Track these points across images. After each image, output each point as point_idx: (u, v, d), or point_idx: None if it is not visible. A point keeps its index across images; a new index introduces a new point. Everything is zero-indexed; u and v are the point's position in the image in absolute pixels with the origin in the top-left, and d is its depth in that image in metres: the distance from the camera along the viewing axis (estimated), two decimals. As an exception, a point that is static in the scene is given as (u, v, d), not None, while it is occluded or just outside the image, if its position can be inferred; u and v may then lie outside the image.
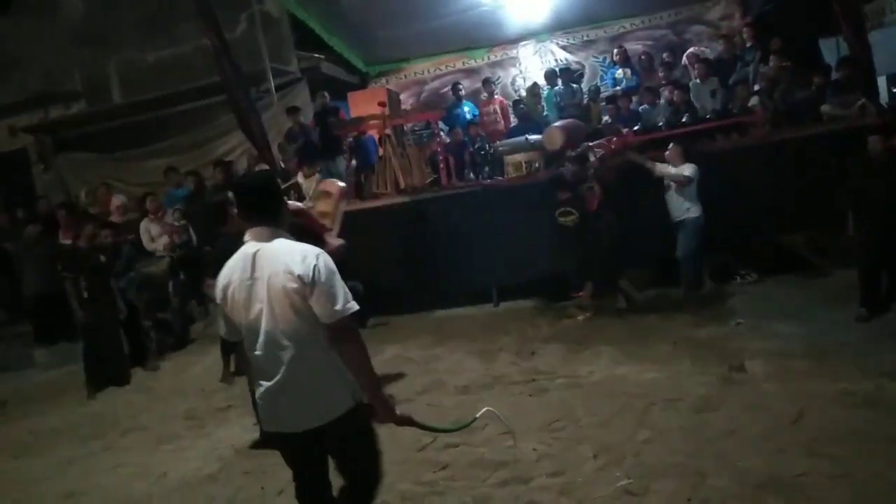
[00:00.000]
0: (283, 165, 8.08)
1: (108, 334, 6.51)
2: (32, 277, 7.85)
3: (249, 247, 2.30)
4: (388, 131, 8.31)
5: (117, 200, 9.12)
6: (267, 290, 2.23)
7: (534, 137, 7.64)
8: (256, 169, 8.74)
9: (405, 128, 8.63)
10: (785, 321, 5.37)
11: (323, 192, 5.34)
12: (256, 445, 4.31)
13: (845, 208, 5.34)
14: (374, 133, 8.74)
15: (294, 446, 2.37)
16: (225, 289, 2.32)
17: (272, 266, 2.23)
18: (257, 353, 2.28)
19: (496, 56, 11.03)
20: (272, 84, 8.51)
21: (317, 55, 10.27)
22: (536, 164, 7.56)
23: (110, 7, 10.69)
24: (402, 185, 8.09)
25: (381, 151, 8.59)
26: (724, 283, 6.59)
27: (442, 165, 8.02)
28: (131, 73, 10.75)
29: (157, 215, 8.18)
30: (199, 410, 5.43)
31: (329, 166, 8.64)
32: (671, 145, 6.43)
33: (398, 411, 2.43)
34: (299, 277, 2.18)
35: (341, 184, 5.29)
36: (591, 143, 6.73)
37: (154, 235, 8.08)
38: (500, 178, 7.85)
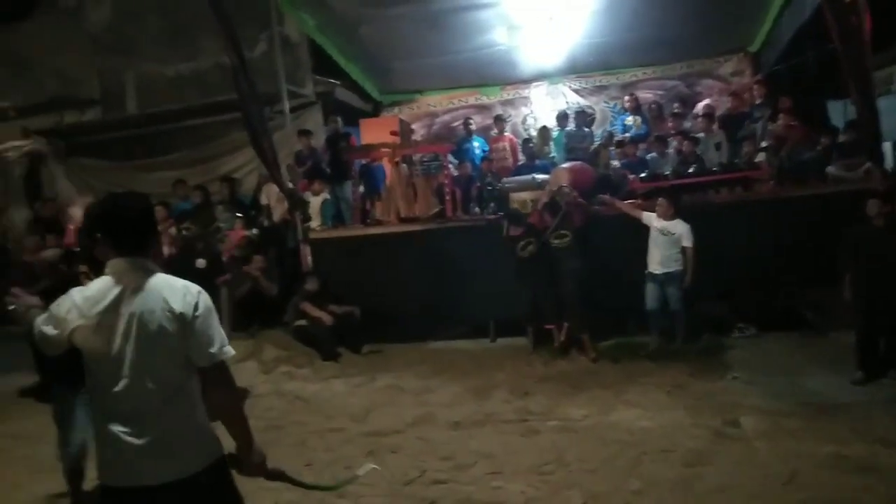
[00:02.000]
0: (291, 185, 8.14)
1: None
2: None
3: (111, 279, 2.04)
4: (397, 160, 8.40)
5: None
6: (137, 327, 1.99)
7: (541, 177, 7.72)
8: (265, 187, 8.85)
9: (414, 158, 8.72)
10: (781, 378, 5.36)
11: None
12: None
13: (842, 271, 5.36)
14: (383, 161, 8.82)
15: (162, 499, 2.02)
16: (71, 321, 2.00)
17: (147, 302, 2.00)
18: (115, 391, 1.99)
19: (508, 94, 11.18)
20: (287, 105, 8.61)
21: (332, 80, 10.41)
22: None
23: (134, 18, 10.89)
24: (406, 213, 8.13)
25: (388, 179, 8.67)
26: (721, 336, 6.59)
27: (448, 197, 8.07)
28: (148, 85, 10.89)
29: (164, 225, 8.20)
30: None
31: (337, 190, 8.71)
32: (660, 199, 6.50)
33: (269, 465, 2.25)
34: (180, 315, 1.99)
35: None
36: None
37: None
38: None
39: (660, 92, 10.51)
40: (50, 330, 2.04)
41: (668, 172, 7.76)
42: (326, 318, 7.08)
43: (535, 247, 6.64)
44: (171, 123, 10.60)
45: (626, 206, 6.78)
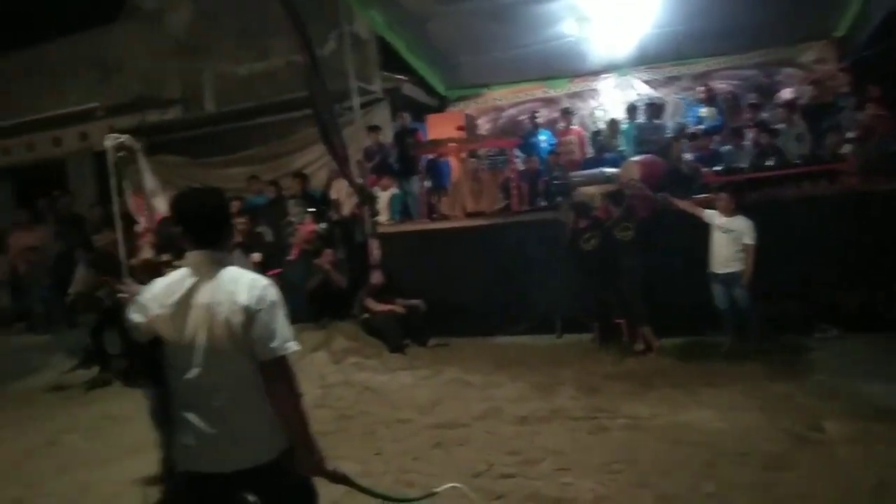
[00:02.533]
0: (360, 181, 8.29)
1: None
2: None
3: (188, 270, 2.13)
4: (463, 155, 8.43)
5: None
6: (207, 318, 2.05)
7: (610, 170, 7.59)
8: (334, 183, 9.05)
9: (480, 152, 8.72)
10: (866, 381, 5.07)
11: None
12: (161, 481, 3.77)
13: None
14: (449, 156, 8.87)
15: (211, 491, 2.09)
16: (151, 309, 2.11)
17: (216, 294, 2.07)
18: (187, 379, 2.07)
19: (576, 87, 11.02)
20: (356, 102, 8.75)
21: (399, 77, 10.53)
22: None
23: (211, 21, 11.32)
24: (472, 208, 8.16)
25: (454, 174, 8.71)
26: (801, 337, 6.30)
27: (514, 192, 8.04)
28: (224, 84, 11.31)
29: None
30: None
31: (404, 185, 8.82)
32: (722, 194, 6.25)
33: (330, 466, 2.20)
34: (244, 308, 2.03)
35: None
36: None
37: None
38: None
39: (735, 82, 10.12)
40: (137, 318, 2.15)
41: (744, 166, 7.48)
42: (399, 309, 7.21)
43: (598, 240, 6.55)
44: (244, 121, 10.98)
45: (685, 203, 6.53)
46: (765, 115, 8.59)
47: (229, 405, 2.06)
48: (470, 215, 8.04)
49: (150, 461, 3.96)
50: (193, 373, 2.06)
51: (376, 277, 7.49)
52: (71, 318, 8.94)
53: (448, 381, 6.13)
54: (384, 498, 2.79)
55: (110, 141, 3.49)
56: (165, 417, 3.47)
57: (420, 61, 10.14)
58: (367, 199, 8.09)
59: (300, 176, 9.37)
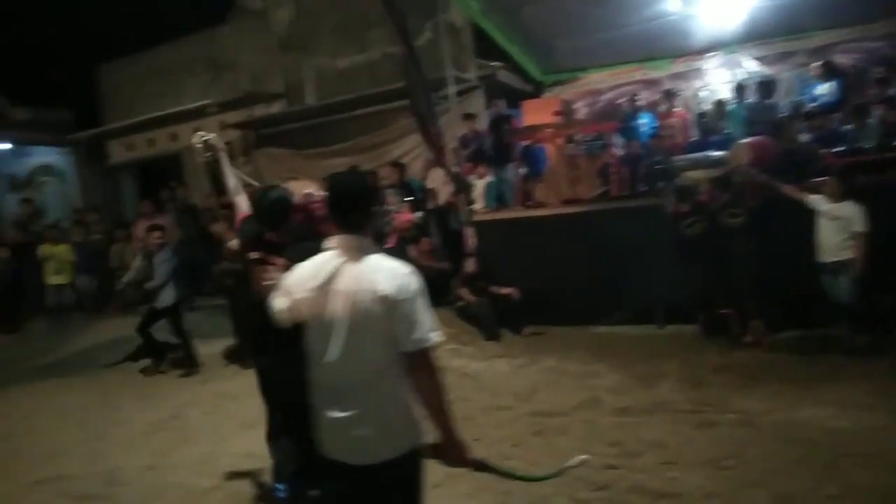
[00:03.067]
0: (456, 169, 8.34)
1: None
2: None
3: (332, 254, 2.12)
4: (559, 141, 8.29)
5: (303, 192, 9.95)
6: (347, 305, 2.03)
7: (716, 153, 7.22)
8: (431, 172, 9.16)
9: (577, 138, 8.54)
10: None
11: None
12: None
13: None
14: (545, 142, 8.75)
15: (348, 479, 2.10)
16: (295, 293, 2.14)
17: (357, 281, 2.04)
18: (325, 365, 2.09)
19: (679, 67, 10.52)
20: (452, 90, 8.81)
21: (494, 64, 10.47)
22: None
23: (311, 16, 11.72)
24: (569, 195, 8.02)
25: (550, 161, 8.59)
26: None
27: (613, 177, 7.83)
28: (324, 77, 11.69)
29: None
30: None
31: (499, 173, 8.79)
32: (828, 178, 5.78)
33: (472, 455, 2.19)
34: (384, 297, 1.99)
35: None
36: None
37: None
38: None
39: (858, 55, 9.31)
40: (281, 303, 2.19)
41: (869, 146, 6.90)
42: (513, 293, 7.25)
43: (703, 225, 6.26)
44: (343, 113, 11.31)
45: (787, 188, 6.06)
46: (892, 90, 7.86)
47: (367, 394, 2.05)
48: (567, 202, 7.90)
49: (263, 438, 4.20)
50: (331, 359, 2.06)
51: (471, 265, 7.53)
52: (190, 303, 9.60)
53: (545, 369, 6.09)
54: (525, 479, 2.80)
55: (196, 139, 3.64)
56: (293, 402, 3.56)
57: (515, 47, 10.03)
58: (462, 187, 8.14)
59: (397, 165, 9.54)
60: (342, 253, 2.10)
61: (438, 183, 8.97)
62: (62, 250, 10.07)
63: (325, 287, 2.08)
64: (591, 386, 5.45)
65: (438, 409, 2.07)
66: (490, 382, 5.82)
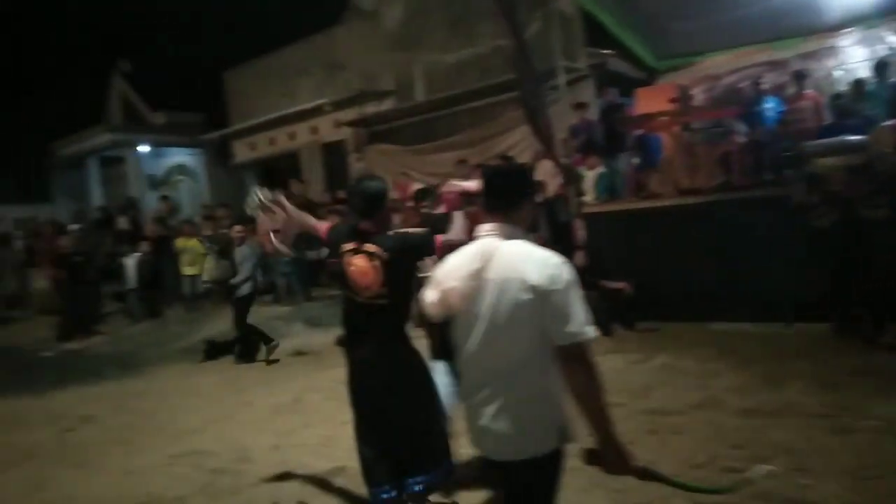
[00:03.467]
0: (566, 160, 8.21)
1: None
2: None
3: (486, 242, 2.06)
4: (675, 129, 7.95)
5: (413, 188, 10.16)
6: (495, 294, 1.97)
7: (853, 138, 6.63)
8: (540, 164, 9.07)
9: (694, 125, 8.14)
10: None
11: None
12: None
13: None
14: (660, 131, 8.41)
15: (499, 474, 2.05)
16: (448, 280, 2.08)
17: (506, 270, 1.97)
18: (470, 355, 2.05)
19: (810, 46, 9.75)
20: (562, 81, 8.66)
21: (605, 52, 10.19)
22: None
23: (421, 13, 11.92)
24: (687, 185, 7.66)
25: (666, 150, 8.25)
26: None
27: (736, 166, 7.39)
28: (433, 73, 11.86)
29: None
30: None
31: (611, 163, 8.56)
32: None
33: (635, 462, 2.02)
34: (533, 288, 1.91)
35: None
36: None
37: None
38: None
39: None
40: (430, 295, 2.14)
41: None
42: (626, 287, 7.11)
43: (833, 217, 5.77)
44: (452, 107, 11.44)
45: None
46: None
47: (509, 387, 1.98)
48: (684, 192, 7.56)
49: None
50: (474, 349, 2.01)
51: (580, 259, 7.39)
52: (308, 292, 10.10)
53: (660, 366, 5.89)
54: (699, 490, 2.57)
55: (251, 203, 3.75)
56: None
57: (628, 33, 9.70)
58: (572, 178, 7.99)
59: (505, 158, 9.52)
60: (493, 241, 2.05)
61: (547, 175, 8.86)
62: (195, 244, 10.90)
63: (474, 276, 2.02)
64: (711, 385, 5.20)
65: (595, 410, 1.93)
66: (603, 378, 5.67)
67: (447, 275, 2.10)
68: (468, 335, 2.04)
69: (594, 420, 1.93)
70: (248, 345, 7.89)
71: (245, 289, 7.72)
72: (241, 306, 7.78)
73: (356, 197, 2.98)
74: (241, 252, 7.79)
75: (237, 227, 7.96)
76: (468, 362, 2.07)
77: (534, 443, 1.98)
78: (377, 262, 2.85)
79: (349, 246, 2.97)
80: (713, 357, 5.91)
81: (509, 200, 2.10)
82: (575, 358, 1.91)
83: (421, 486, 2.97)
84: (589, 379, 1.92)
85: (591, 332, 1.93)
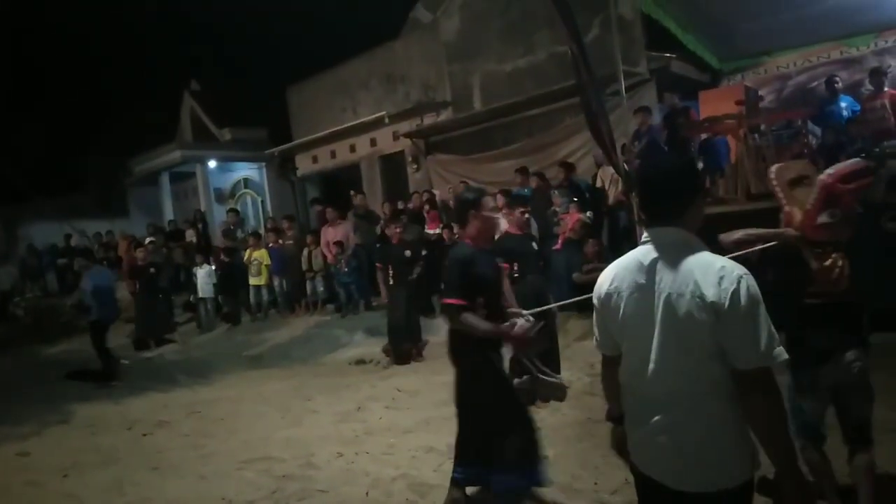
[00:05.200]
0: (626, 167, 8.05)
1: (405, 314, 7.80)
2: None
3: (647, 250, 1.85)
4: (742, 132, 7.67)
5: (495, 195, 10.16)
6: (664, 310, 1.75)
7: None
8: (601, 170, 8.93)
9: (763, 128, 7.85)
10: None
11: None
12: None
13: None
14: (726, 134, 8.15)
15: (660, 499, 1.87)
16: (609, 294, 1.90)
17: (677, 282, 1.74)
18: (639, 379, 1.84)
19: (886, 42, 9.30)
20: (622, 86, 8.51)
21: (667, 55, 9.97)
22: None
23: (478, 24, 11.98)
24: (757, 189, 7.38)
25: (733, 154, 7.98)
26: None
27: (808, 169, 7.07)
28: (491, 83, 11.89)
29: (503, 210, 8.90)
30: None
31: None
32: None
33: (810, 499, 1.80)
34: (711, 304, 1.67)
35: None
36: None
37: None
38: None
39: None
40: (595, 302, 1.97)
41: None
42: None
43: None
44: (510, 116, 11.42)
45: None
46: None
47: (686, 414, 1.77)
48: (753, 197, 7.28)
49: (440, 434, 4.37)
50: (646, 370, 1.80)
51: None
52: (369, 302, 10.25)
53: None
54: None
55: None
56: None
57: (690, 35, 9.45)
58: (633, 184, 7.82)
59: (565, 165, 9.43)
60: (656, 249, 1.83)
61: (608, 181, 8.73)
62: (261, 255, 11.22)
63: (639, 287, 1.82)
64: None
65: (777, 441, 1.72)
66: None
67: (609, 283, 1.91)
68: (637, 354, 1.84)
69: (776, 451, 1.73)
70: None
71: None
72: None
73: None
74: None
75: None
76: (640, 380, 1.84)
77: (712, 475, 1.78)
78: None
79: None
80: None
81: (676, 201, 1.84)
82: (757, 383, 1.69)
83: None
84: (772, 406, 1.71)
85: (781, 355, 1.69)
